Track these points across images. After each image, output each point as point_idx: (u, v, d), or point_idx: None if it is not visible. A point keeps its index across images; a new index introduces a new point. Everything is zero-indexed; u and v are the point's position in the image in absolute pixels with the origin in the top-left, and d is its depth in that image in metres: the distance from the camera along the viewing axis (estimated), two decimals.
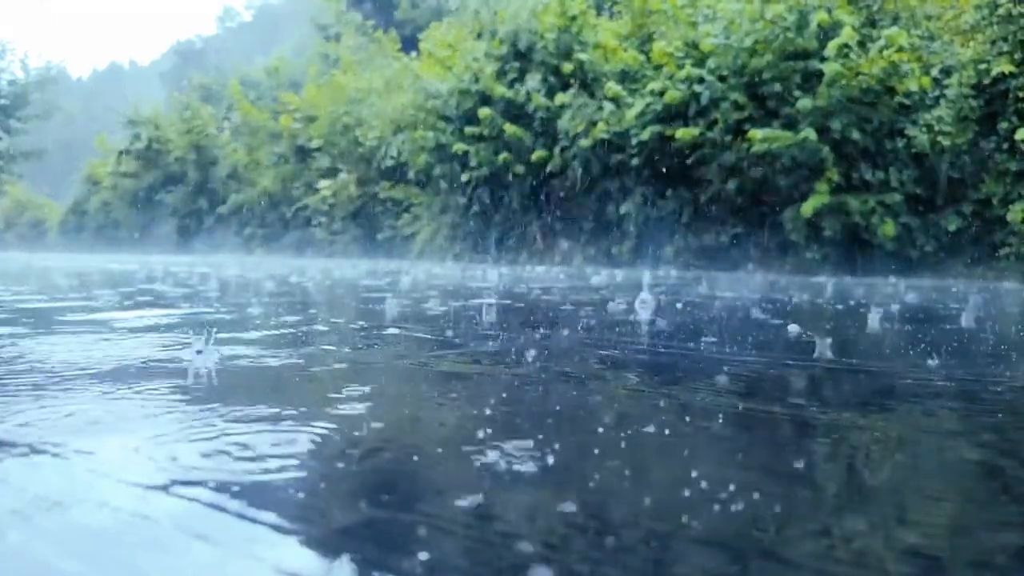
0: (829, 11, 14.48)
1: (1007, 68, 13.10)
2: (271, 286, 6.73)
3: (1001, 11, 13.44)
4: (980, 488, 1.18)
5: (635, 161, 16.19)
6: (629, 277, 10.70)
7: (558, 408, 1.63)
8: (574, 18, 18.36)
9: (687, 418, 1.57)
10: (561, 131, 17.43)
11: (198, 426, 1.37)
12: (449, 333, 3.17)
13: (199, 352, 1.94)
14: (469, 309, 4.36)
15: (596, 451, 1.29)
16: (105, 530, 0.89)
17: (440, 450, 1.29)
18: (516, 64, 18.88)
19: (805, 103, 14.02)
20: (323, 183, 25.68)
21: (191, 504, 0.97)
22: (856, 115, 14.02)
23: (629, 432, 1.44)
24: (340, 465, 1.19)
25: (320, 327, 3.31)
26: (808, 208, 13.86)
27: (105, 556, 0.83)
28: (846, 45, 13.90)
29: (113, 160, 36.88)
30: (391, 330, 3.17)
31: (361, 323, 3.55)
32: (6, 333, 2.78)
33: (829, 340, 2.59)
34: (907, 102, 14.14)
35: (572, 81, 17.95)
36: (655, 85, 15.79)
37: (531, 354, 2.44)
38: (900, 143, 14.01)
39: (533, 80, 18.28)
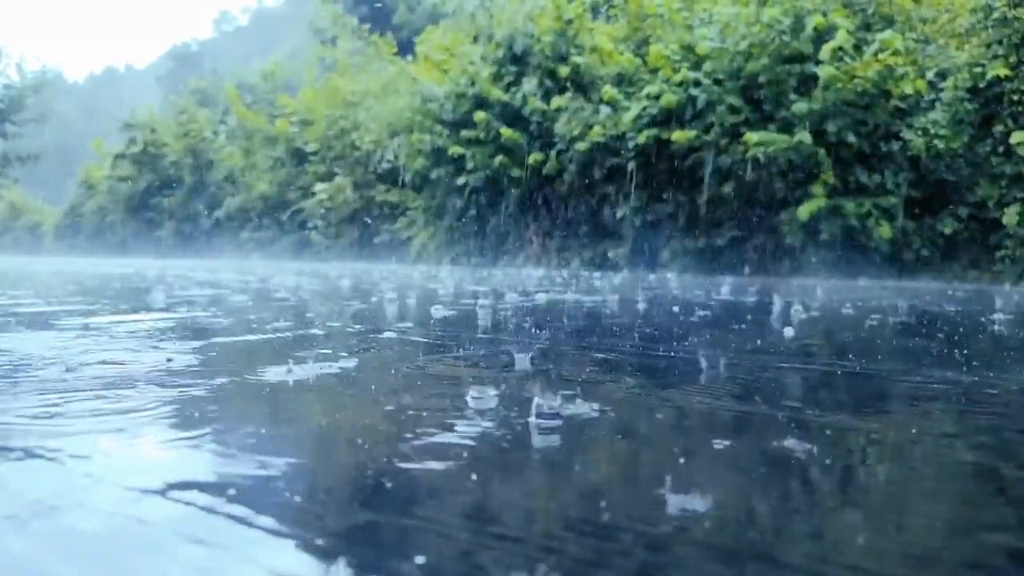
0: (824, 15, 14.51)
1: (1002, 71, 13.14)
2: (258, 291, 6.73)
3: (996, 15, 13.49)
4: (976, 489, 1.18)
5: (631, 164, 16.21)
6: (625, 280, 10.70)
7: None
8: (570, 22, 18.39)
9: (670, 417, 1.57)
10: (557, 134, 17.44)
11: (194, 430, 1.36)
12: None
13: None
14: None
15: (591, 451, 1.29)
16: (101, 534, 0.89)
17: (436, 453, 1.29)
18: (512, 68, 18.90)
19: (801, 106, 14.04)
20: (319, 187, 25.67)
21: (187, 508, 0.97)
22: (852, 118, 14.05)
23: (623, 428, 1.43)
24: (337, 468, 1.19)
25: (316, 331, 3.31)
26: (804, 211, 13.88)
27: (101, 560, 0.83)
28: (841, 48, 13.94)
29: (109, 164, 36.85)
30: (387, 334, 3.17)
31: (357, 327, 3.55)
32: (2, 336, 2.77)
33: None
34: (902, 105, 14.16)
35: (568, 84, 17.96)
36: (651, 88, 15.81)
37: None
38: (896, 146, 14.04)
39: (529, 83, 18.30)
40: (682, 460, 1.28)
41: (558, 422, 1.46)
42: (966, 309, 5.79)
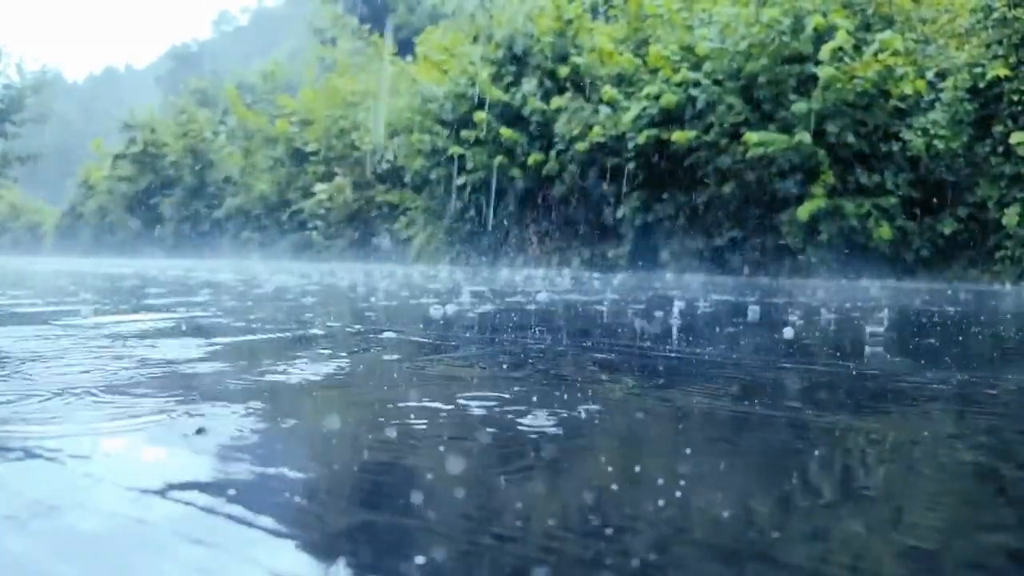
0: (824, 15, 14.51)
1: (1002, 72, 13.14)
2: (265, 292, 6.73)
3: (996, 15, 13.49)
4: (976, 490, 1.18)
5: (631, 165, 16.21)
6: (626, 282, 10.69)
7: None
8: (570, 22, 18.40)
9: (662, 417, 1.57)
10: (557, 135, 17.45)
11: (193, 430, 1.36)
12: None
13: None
14: None
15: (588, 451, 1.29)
16: (101, 534, 0.89)
17: (436, 453, 1.29)
18: (512, 68, 18.90)
19: (800, 106, 14.05)
20: (319, 187, 25.68)
21: (187, 508, 0.97)
22: (851, 118, 14.05)
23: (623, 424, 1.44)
24: (337, 469, 1.19)
25: (316, 331, 3.31)
26: (804, 212, 13.88)
27: (101, 561, 0.82)
28: (840, 49, 13.94)
29: (109, 164, 36.85)
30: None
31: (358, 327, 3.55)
32: (1, 337, 2.77)
33: None
34: (902, 106, 14.17)
35: (568, 85, 17.96)
36: (651, 89, 15.82)
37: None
38: (895, 146, 14.04)
39: (529, 84, 18.30)
40: (682, 460, 1.28)
41: None
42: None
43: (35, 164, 37.94)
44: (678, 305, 4.74)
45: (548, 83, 18.23)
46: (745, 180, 14.88)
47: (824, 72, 13.79)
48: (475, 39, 20.47)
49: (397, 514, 0.97)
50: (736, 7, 15.43)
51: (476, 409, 1.58)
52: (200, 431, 1.34)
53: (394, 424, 1.45)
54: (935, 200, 13.97)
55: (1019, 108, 13.10)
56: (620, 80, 17.02)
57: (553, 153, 17.65)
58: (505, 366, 2.32)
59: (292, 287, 7.42)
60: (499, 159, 18.24)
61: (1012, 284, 12.29)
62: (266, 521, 0.93)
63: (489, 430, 1.42)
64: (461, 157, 18.95)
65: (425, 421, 1.47)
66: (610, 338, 3.28)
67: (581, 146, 16.70)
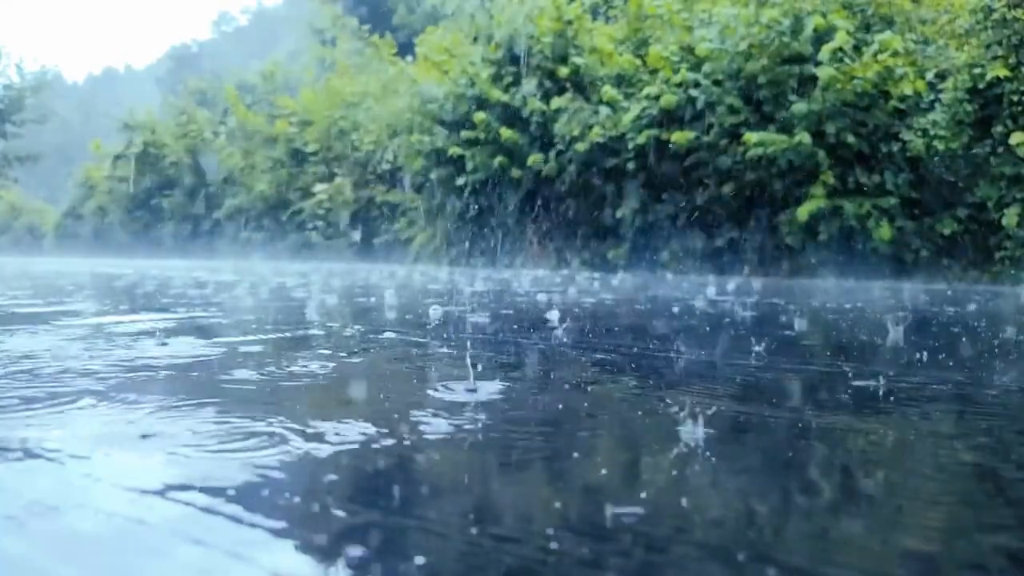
0: (824, 16, 14.52)
1: (1002, 72, 13.13)
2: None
3: (996, 15, 13.48)
4: (975, 490, 1.18)
5: (631, 165, 16.21)
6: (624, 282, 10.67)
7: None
8: (570, 22, 18.39)
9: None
10: (557, 135, 17.44)
11: (193, 430, 1.36)
12: None
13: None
14: None
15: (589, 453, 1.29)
16: (100, 535, 0.89)
17: (435, 452, 1.29)
18: (512, 68, 18.90)
19: (800, 107, 14.05)
20: (319, 187, 25.67)
21: (186, 508, 0.97)
22: (851, 119, 14.05)
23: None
24: (335, 469, 1.19)
25: (315, 331, 3.31)
26: (804, 212, 13.88)
27: (100, 561, 0.82)
28: (840, 49, 13.94)
29: (108, 164, 36.84)
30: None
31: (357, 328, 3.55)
32: (1, 337, 2.77)
33: None
34: (902, 106, 14.16)
35: (568, 85, 17.96)
36: (651, 89, 15.82)
37: None
38: (895, 147, 14.03)
39: (529, 84, 18.29)
40: (682, 460, 1.28)
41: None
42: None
43: (35, 164, 37.94)
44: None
45: (548, 83, 18.22)
46: (745, 180, 14.88)
47: (824, 72, 13.79)
48: (475, 39, 20.46)
49: (397, 514, 0.97)
50: (736, 7, 15.42)
51: (474, 408, 1.58)
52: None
53: (393, 423, 1.45)
54: (935, 201, 13.96)
55: (1019, 108, 13.09)
56: (620, 80, 17.02)
57: (553, 153, 17.65)
58: (500, 364, 2.32)
59: (292, 287, 7.43)
60: (499, 159, 18.24)
61: (1012, 285, 12.29)
62: (266, 521, 0.93)
63: (489, 430, 1.42)
64: (461, 158, 18.94)
65: (424, 420, 1.47)
66: (613, 339, 3.28)
67: (581, 146, 16.69)
